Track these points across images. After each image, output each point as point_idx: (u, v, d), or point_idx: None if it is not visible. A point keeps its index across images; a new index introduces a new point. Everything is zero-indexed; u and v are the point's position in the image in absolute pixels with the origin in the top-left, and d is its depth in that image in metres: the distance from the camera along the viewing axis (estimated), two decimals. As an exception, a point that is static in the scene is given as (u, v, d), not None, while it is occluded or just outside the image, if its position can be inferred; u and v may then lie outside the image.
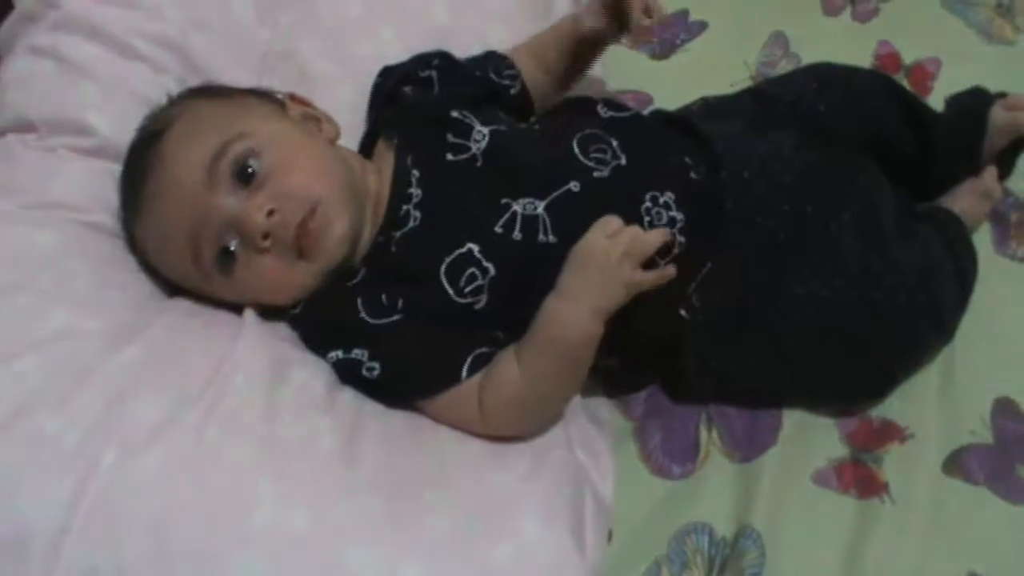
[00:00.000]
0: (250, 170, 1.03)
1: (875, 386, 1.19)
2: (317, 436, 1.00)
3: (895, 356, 1.18)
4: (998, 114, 1.33)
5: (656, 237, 1.04)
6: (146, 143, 1.08)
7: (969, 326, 1.24)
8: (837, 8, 1.59)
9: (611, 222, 1.03)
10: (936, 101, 1.40)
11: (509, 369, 1.04)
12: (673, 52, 1.55)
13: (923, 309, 1.16)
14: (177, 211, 1.04)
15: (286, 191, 1.04)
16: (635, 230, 1.03)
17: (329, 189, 1.06)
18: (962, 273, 1.22)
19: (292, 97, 1.17)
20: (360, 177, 1.11)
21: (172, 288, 1.11)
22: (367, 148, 1.20)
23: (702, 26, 1.58)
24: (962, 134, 1.32)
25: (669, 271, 1.05)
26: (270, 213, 1.03)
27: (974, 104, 1.35)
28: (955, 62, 1.50)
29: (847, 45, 1.51)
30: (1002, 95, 1.36)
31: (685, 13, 1.59)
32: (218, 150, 1.03)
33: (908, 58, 1.51)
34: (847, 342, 1.14)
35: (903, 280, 1.14)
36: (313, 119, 1.15)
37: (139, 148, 1.09)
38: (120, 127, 1.16)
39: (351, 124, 1.22)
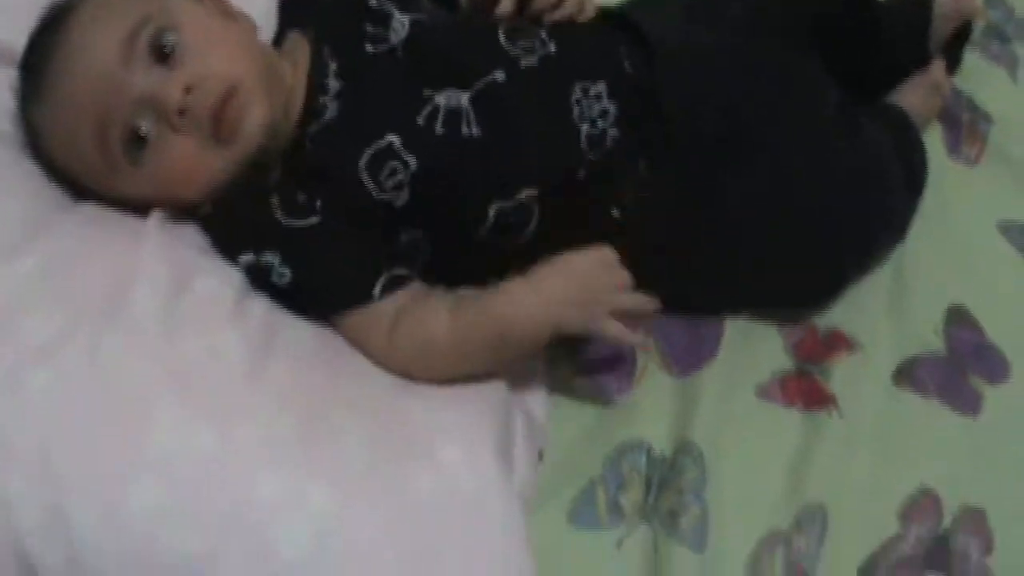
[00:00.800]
0: (167, 48, 0.97)
1: (824, 287, 1.15)
2: (222, 351, 0.93)
3: (845, 256, 1.14)
4: (942, 3, 1.29)
5: (643, 305, 1.02)
6: (51, 23, 1.01)
7: (920, 232, 1.20)
8: None
9: (611, 256, 1.00)
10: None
11: (436, 318, 1.00)
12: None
13: (872, 211, 1.12)
14: (85, 90, 0.97)
15: (204, 70, 0.98)
16: (628, 279, 1.00)
17: (248, 73, 1.00)
18: (913, 174, 1.19)
19: None
20: (278, 68, 1.05)
21: (75, 193, 1.04)
22: (279, 41, 1.13)
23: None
24: (907, 20, 1.28)
25: (635, 338, 1.03)
26: (188, 91, 0.96)
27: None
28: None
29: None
30: None
31: None
32: (135, 25, 0.97)
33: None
34: (794, 245, 1.10)
35: (851, 181, 1.10)
36: (228, 14, 1.08)
37: (43, 28, 1.02)
38: (17, 30, 1.05)
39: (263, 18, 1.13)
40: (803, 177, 1.09)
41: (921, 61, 1.29)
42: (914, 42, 1.29)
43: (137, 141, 0.98)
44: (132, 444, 0.86)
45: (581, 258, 1.00)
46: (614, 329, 1.00)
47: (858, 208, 1.11)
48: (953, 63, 1.31)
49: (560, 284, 0.99)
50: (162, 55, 0.97)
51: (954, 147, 1.29)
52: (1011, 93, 1.34)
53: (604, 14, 1.16)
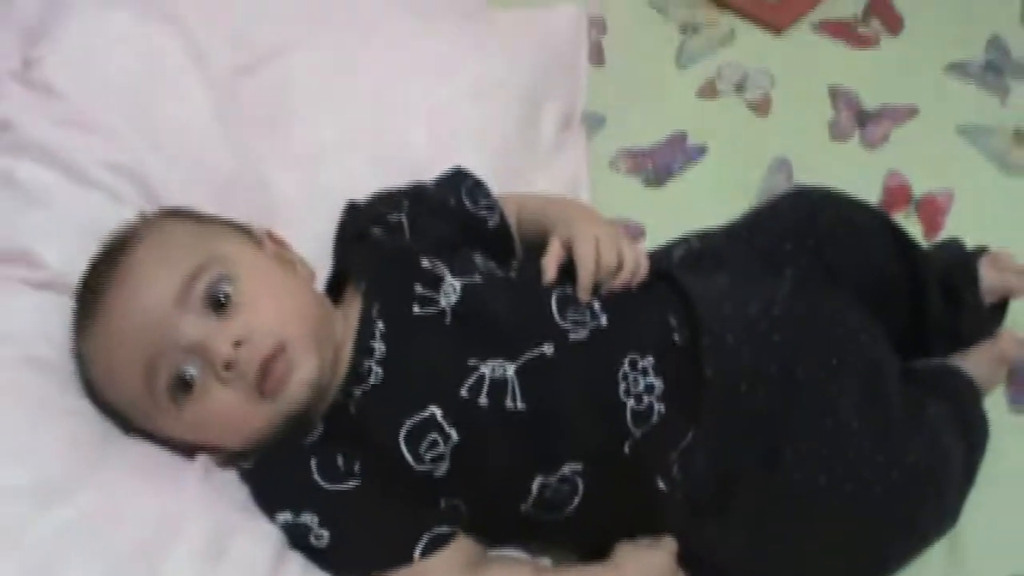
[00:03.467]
0: (223, 298, 0.99)
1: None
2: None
3: (891, 548, 1.10)
4: (987, 275, 1.24)
5: None
6: (110, 255, 1.03)
7: (979, 496, 1.14)
8: (845, 132, 1.51)
9: (674, 548, 1.06)
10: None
11: None
12: (669, 179, 1.49)
13: (927, 502, 1.08)
14: (138, 328, 0.98)
15: (257, 325, 0.99)
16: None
17: (300, 330, 1.01)
18: (972, 455, 1.14)
19: (269, 235, 1.12)
20: (329, 322, 1.06)
21: (120, 425, 1.04)
22: (333, 290, 1.15)
23: (700, 151, 1.51)
24: (954, 288, 1.24)
25: None
26: (237, 344, 0.97)
27: (962, 259, 1.27)
28: (969, 195, 1.42)
29: (854, 173, 1.43)
30: (983, 250, 1.28)
31: (683, 136, 1.53)
32: (194, 271, 0.99)
33: (918, 190, 1.44)
34: (840, 532, 1.06)
35: (910, 473, 1.06)
36: (287, 261, 1.10)
37: (102, 258, 1.04)
38: (72, 258, 1.09)
39: (320, 263, 1.16)
40: (854, 462, 1.05)
41: (978, 330, 1.25)
42: (957, 310, 1.23)
43: (183, 385, 0.99)
44: None
45: (659, 556, 1.04)
46: None
47: (913, 506, 1.07)
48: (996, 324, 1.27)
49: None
50: (217, 304, 0.99)
51: (1016, 399, 1.25)
52: None
53: (653, 269, 1.14)
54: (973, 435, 1.15)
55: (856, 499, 1.05)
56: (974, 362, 1.21)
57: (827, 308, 1.13)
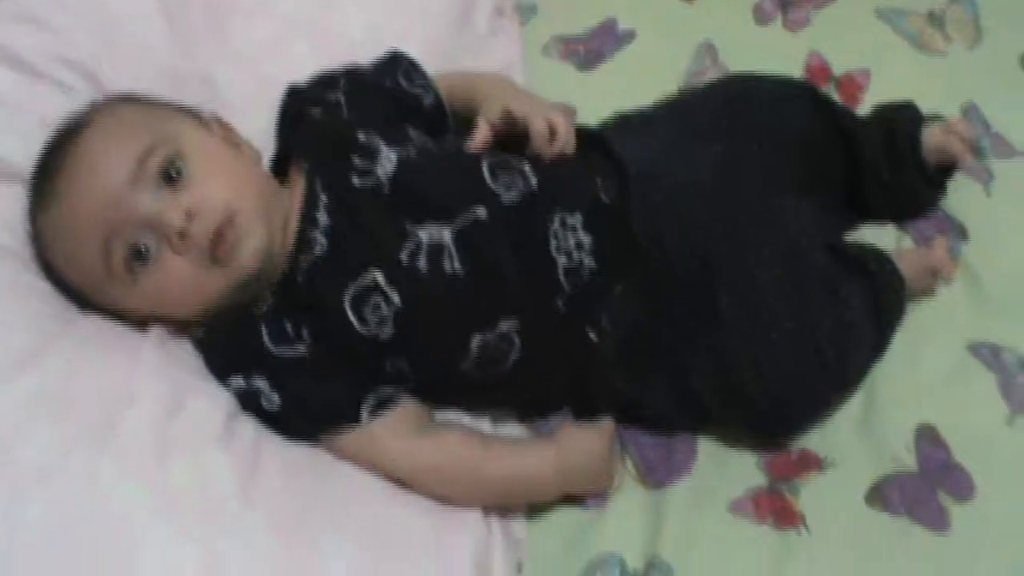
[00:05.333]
0: (175, 173, 1.03)
1: (775, 436, 1.17)
2: (211, 475, 0.97)
3: (795, 410, 1.15)
4: (931, 136, 1.29)
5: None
6: (64, 138, 1.06)
7: (893, 352, 1.21)
8: (768, 16, 1.55)
9: (613, 429, 1.13)
10: (865, 113, 1.37)
11: (465, 450, 1.08)
12: (600, 63, 1.52)
13: (830, 372, 1.13)
14: (94, 204, 1.02)
15: (208, 197, 1.03)
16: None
17: (249, 202, 1.05)
18: (882, 337, 1.19)
19: (216, 119, 1.15)
20: (275, 198, 1.10)
21: (77, 303, 1.08)
22: (279, 171, 1.18)
23: (630, 35, 1.54)
24: (893, 147, 1.28)
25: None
26: (189, 215, 1.01)
27: (905, 121, 1.31)
28: (886, 73, 1.47)
29: (777, 55, 1.47)
30: (936, 118, 1.33)
31: (613, 22, 1.56)
32: (146, 149, 1.02)
33: (838, 69, 1.49)
34: (748, 388, 1.11)
35: (818, 343, 1.11)
36: (235, 144, 1.14)
37: (56, 141, 1.07)
38: (27, 151, 1.11)
39: (267, 149, 1.20)
40: (767, 324, 1.10)
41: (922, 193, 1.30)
42: (896, 165, 1.28)
43: (138, 257, 1.02)
44: (122, 570, 0.89)
45: (596, 435, 1.11)
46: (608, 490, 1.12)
47: (814, 372, 1.12)
48: (939, 190, 1.32)
49: (582, 465, 1.11)
50: (169, 179, 1.02)
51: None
52: (985, 208, 1.35)
53: (584, 137, 1.18)
54: (887, 317, 1.20)
55: (764, 360, 1.10)
56: (907, 263, 1.24)
57: (754, 183, 1.17)
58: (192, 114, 1.13)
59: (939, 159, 1.29)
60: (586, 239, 1.08)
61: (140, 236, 1.02)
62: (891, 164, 1.27)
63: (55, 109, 1.14)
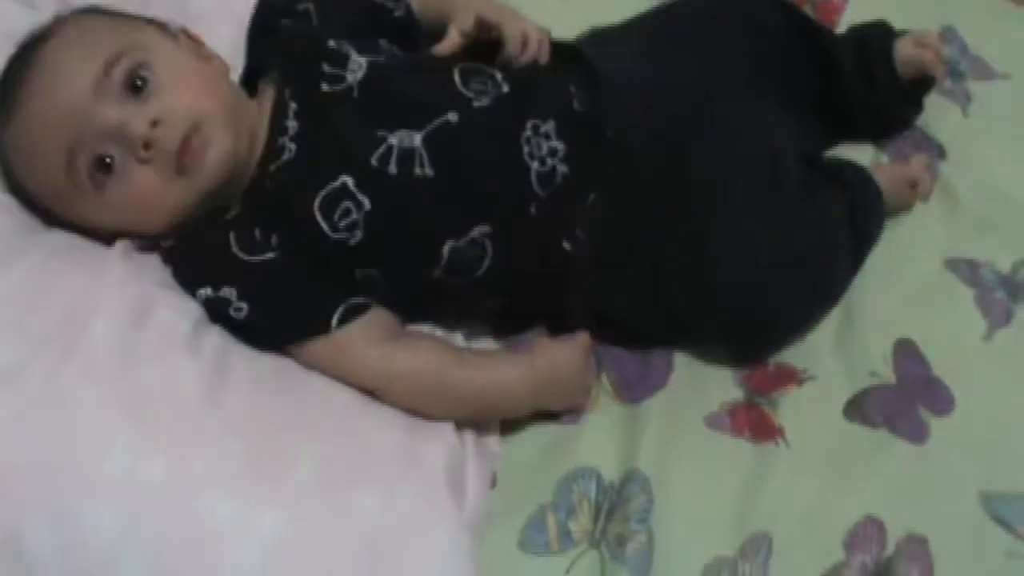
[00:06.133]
0: (140, 82, 1.01)
1: (753, 350, 1.16)
2: (177, 379, 0.95)
3: (772, 327, 1.15)
4: (903, 47, 1.30)
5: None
6: (27, 50, 1.04)
7: (870, 267, 1.21)
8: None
9: (588, 343, 1.10)
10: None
11: (441, 362, 1.06)
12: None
13: (807, 287, 1.13)
14: (58, 115, 1.00)
15: (173, 105, 1.01)
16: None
17: (215, 110, 1.03)
18: (861, 246, 1.19)
19: (184, 31, 1.13)
20: (244, 108, 1.08)
21: (42, 218, 1.06)
22: (249, 84, 1.16)
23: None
24: (865, 60, 1.29)
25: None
26: (154, 124, 0.99)
27: (877, 35, 1.32)
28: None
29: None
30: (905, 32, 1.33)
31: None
32: (111, 58, 1.00)
33: (815, -10, 1.48)
34: (725, 303, 1.11)
35: (795, 254, 1.11)
36: (203, 56, 1.12)
37: (19, 55, 1.05)
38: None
39: (236, 65, 1.18)
40: (742, 231, 1.10)
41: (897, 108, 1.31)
42: (870, 81, 1.28)
43: (103, 168, 1.00)
44: (87, 472, 0.88)
45: (570, 349, 1.09)
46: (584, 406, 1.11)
47: (793, 281, 1.12)
48: (914, 106, 1.33)
49: (558, 378, 1.09)
50: (134, 88, 1.01)
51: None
52: (963, 129, 1.35)
53: (559, 50, 1.17)
54: (863, 226, 1.20)
55: (739, 271, 1.09)
56: (884, 175, 1.24)
57: (730, 90, 1.17)
58: (159, 26, 1.11)
59: (912, 72, 1.29)
60: (559, 146, 1.07)
61: (105, 146, 1.00)
62: (863, 75, 1.28)
63: (22, 25, 1.11)
